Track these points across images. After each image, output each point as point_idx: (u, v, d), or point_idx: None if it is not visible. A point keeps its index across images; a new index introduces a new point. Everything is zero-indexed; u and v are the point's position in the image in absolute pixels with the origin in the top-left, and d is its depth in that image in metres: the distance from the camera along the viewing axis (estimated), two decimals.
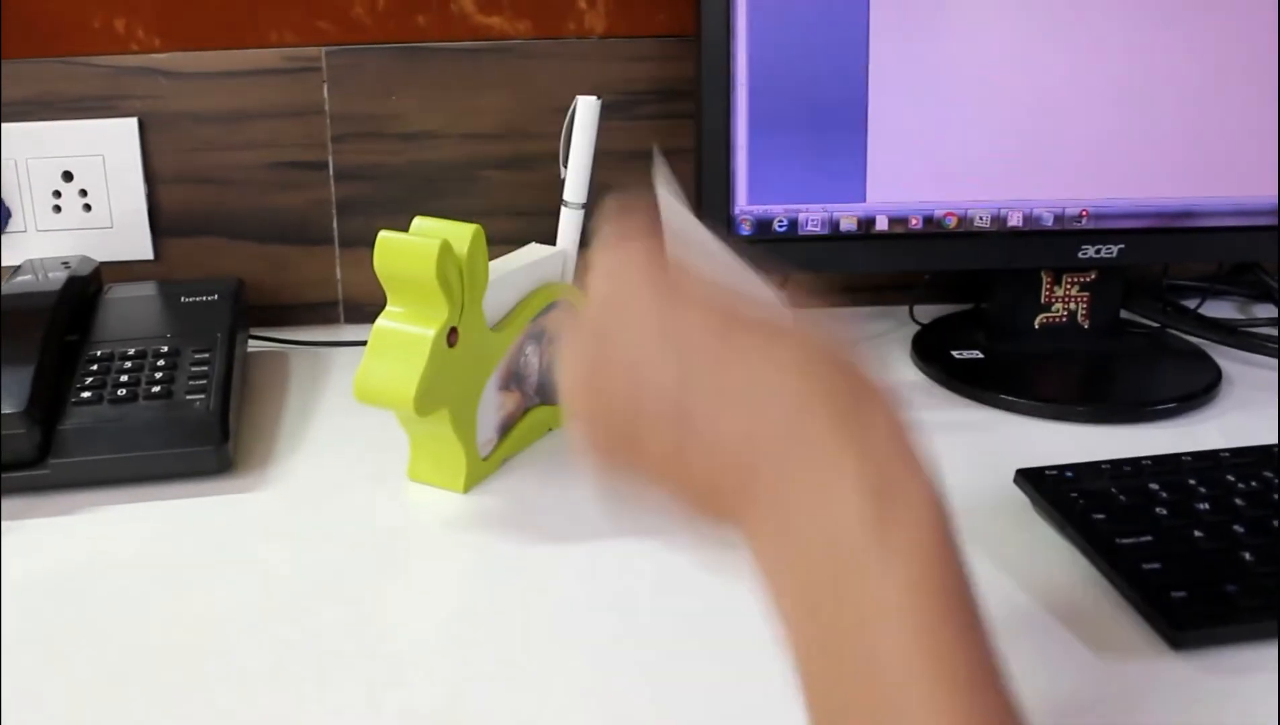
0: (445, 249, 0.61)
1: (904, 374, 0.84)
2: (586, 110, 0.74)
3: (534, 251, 0.73)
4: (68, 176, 0.88)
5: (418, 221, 0.65)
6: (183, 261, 0.90)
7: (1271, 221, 0.80)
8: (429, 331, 0.62)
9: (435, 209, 0.66)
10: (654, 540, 0.62)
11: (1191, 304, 0.93)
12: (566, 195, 0.74)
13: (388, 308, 0.64)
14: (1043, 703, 0.50)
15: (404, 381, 0.61)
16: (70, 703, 0.51)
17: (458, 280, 0.63)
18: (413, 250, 0.61)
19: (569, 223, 0.75)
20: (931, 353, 0.85)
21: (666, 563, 0.60)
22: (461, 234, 0.63)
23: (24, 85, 0.86)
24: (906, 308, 0.93)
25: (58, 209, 0.88)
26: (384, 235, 0.62)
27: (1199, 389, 0.80)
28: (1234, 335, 0.88)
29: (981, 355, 0.84)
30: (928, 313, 0.93)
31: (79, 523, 0.65)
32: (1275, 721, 0.48)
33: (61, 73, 0.86)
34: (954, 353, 0.84)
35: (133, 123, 0.87)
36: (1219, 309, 0.94)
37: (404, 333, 0.62)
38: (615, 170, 0.91)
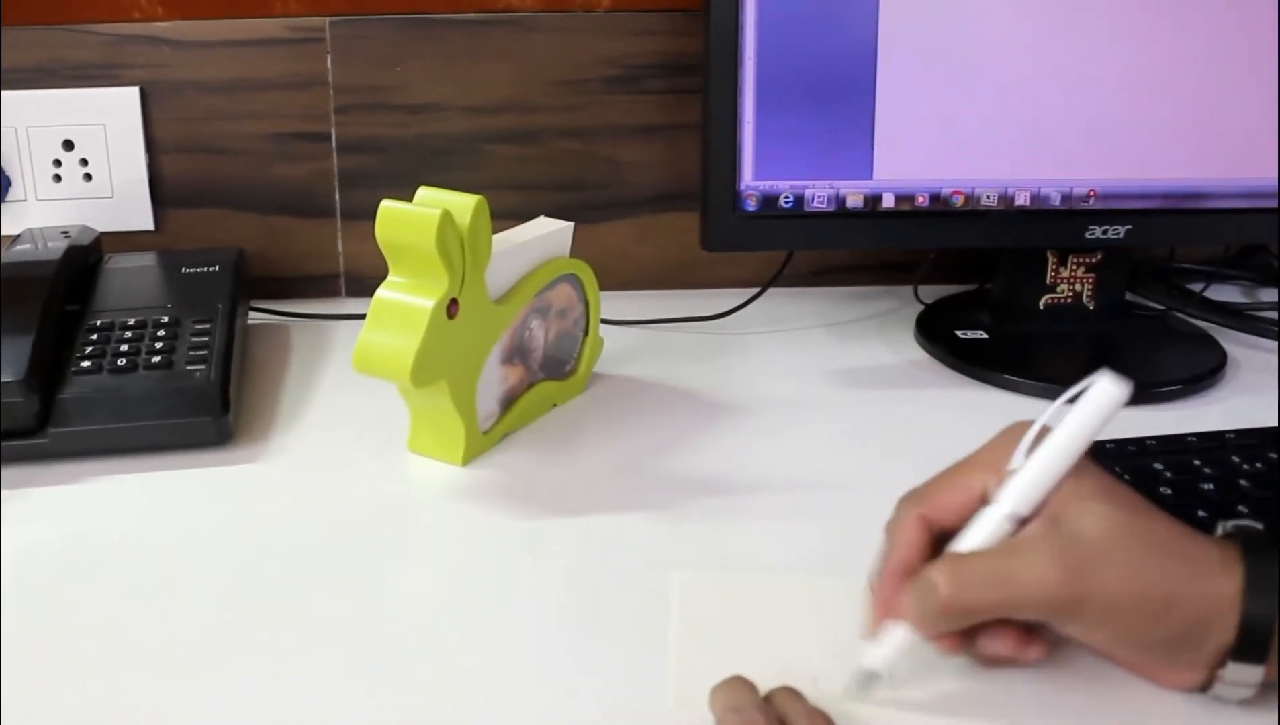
0: (446, 219, 0.61)
1: (908, 353, 0.84)
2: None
3: (541, 225, 0.73)
4: (68, 145, 0.87)
5: (421, 192, 0.65)
6: (184, 232, 0.90)
7: None
8: (428, 302, 0.61)
9: (439, 182, 0.66)
10: (649, 514, 0.62)
11: (1197, 288, 0.93)
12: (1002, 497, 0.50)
13: (389, 278, 0.63)
14: (1045, 683, 0.50)
15: (402, 352, 0.61)
16: (69, 673, 0.50)
17: (459, 251, 0.62)
18: (414, 220, 0.61)
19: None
20: (936, 332, 0.85)
21: (662, 539, 0.60)
22: (464, 205, 0.63)
23: (25, 52, 0.85)
24: (911, 287, 0.93)
25: (58, 178, 0.88)
26: (386, 204, 0.62)
27: (1204, 372, 0.79)
28: (1240, 319, 0.88)
29: (986, 335, 0.84)
30: (932, 292, 0.92)
31: (78, 492, 0.65)
32: (1278, 702, 0.48)
33: (63, 40, 0.85)
34: (958, 333, 0.84)
35: (134, 92, 0.86)
36: (1225, 293, 0.94)
37: (403, 303, 0.62)
38: (622, 145, 0.91)
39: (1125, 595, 0.46)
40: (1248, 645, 0.46)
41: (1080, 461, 0.49)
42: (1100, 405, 0.49)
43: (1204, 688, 0.48)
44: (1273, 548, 0.47)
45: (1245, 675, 0.46)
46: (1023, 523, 0.48)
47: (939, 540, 0.50)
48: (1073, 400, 0.49)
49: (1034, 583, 0.46)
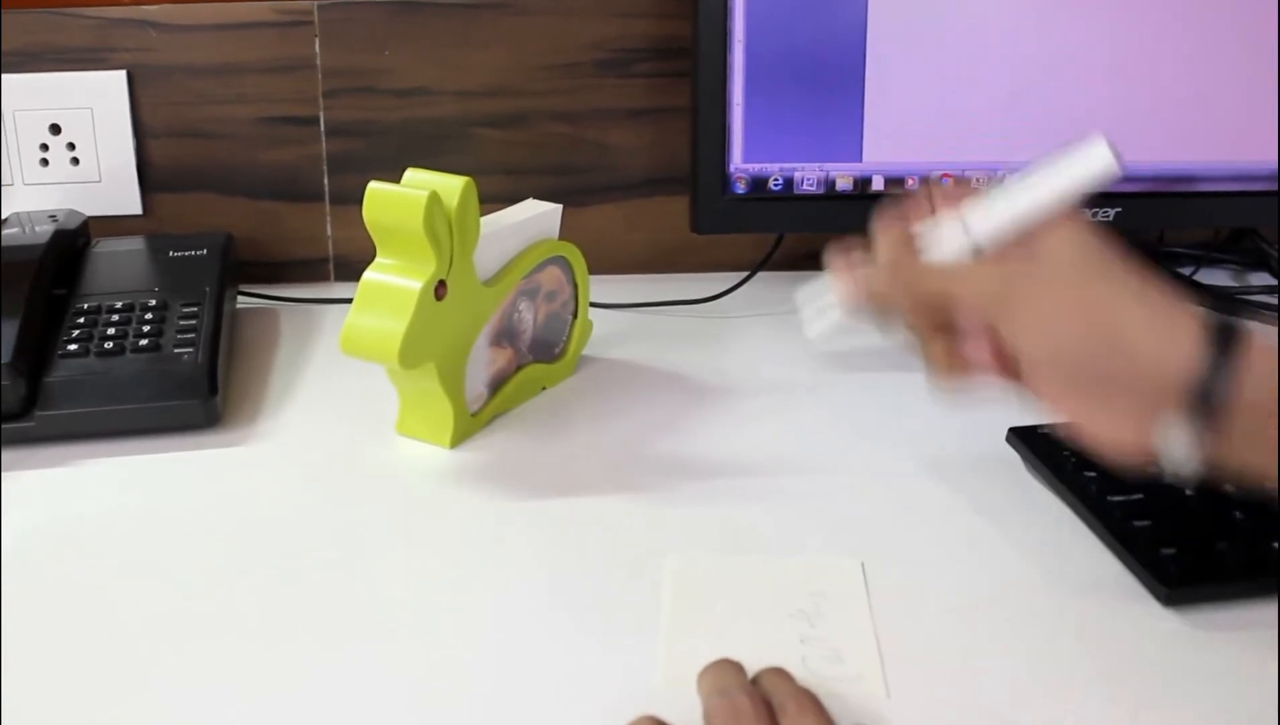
0: (433, 200, 0.61)
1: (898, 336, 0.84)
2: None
3: (530, 207, 0.73)
4: (55, 129, 0.87)
5: (409, 173, 0.64)
6: (171, 216, 0.89)
7: (1271, 186, 0.79)
8: (416, 284, 0.61)
9: (428, 165, 0.65)
10: (637, 497, 0.62)
11: (1187, 271, 0.93)
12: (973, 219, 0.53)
13: (376, 260, 0.63)
14: (1034, 659, 0.50)
15: (389, 334, 0.61)
16: (58, 655, 0.50)
17: (446, 233, 0.62)
18: (401, 201, 0.61)
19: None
20: None
21: (651, 521, 0.60)
22: (452, 186, 0.62)
23: (12, 36, 0.85)
24: None
25: (45, 162, 0.87)
26: (373, 186, 0.62)
27: None
28: (1229, 302, 0.88)
29: None
30: None
31: (65, 475, 0.64)
32: (1266, 676, 0.48)
33: (50, 23, 0.85)
34: None
35: (122, 75, 0.86)
36: (1214, 277, 0.94)
37: (391, 285, 0.62)
38: (611, 129, 0.90)
39: (1065, 311, 0.48)
40: (1193, 409, 0.46)
41: (1075, 214, 0.51)
42: (1088, 163, 0.51)
43: (1146, 459, 0.48)
44: (1239, 328, 0.47)
45: (1182, 438, 0.46)
46: (978, 249, 0.52)
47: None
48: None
49: (975, 275, 0.51)
